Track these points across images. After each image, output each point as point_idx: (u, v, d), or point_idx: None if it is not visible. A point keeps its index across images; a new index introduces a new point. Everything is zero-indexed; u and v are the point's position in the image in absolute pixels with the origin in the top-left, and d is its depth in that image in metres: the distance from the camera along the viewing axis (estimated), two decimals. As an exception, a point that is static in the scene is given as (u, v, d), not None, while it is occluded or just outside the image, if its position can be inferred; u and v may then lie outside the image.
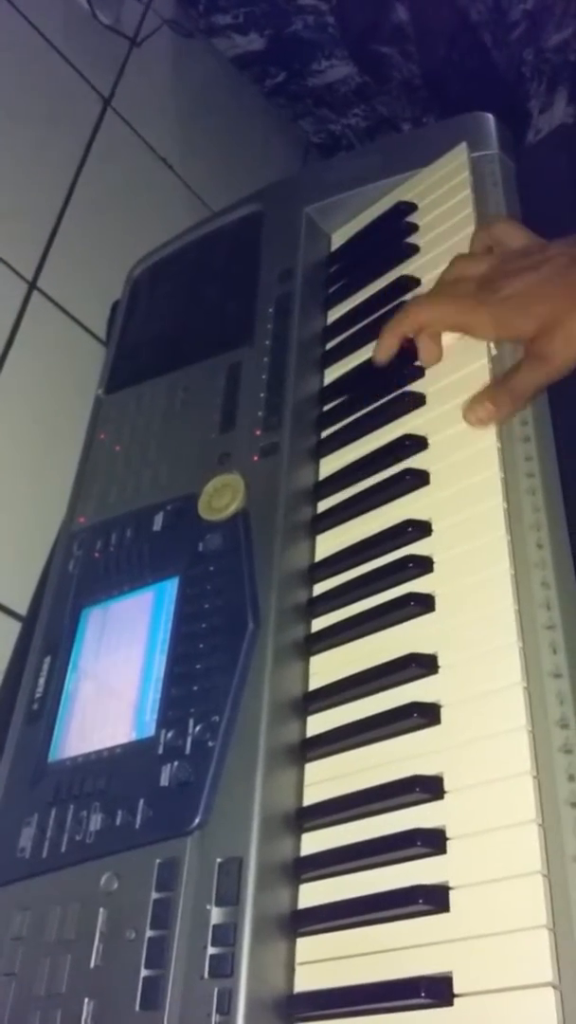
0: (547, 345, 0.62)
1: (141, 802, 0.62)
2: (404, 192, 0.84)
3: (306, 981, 0.54)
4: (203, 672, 0.65)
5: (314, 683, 0.64)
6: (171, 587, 0.72)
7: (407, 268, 0.79)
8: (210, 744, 0.61)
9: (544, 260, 0.65)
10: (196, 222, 1.06)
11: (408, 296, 0.77)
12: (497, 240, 0.71)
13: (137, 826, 0.61)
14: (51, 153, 1.20)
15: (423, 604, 0.61)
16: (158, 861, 0.58)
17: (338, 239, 0.91)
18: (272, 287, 0.87)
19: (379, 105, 1.53)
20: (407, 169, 0.85)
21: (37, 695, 0.75)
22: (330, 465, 0.75)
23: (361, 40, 1.43)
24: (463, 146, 0.81)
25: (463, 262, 0.72)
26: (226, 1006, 0.50)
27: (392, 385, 0.72)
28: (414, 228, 0.81)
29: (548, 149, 1.07)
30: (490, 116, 0.84)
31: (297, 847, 0.58)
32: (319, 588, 0.69)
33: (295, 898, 0.57)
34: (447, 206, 0.79)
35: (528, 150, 1.15)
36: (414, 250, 0.80)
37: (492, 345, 0.68)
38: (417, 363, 0.72)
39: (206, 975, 0.52)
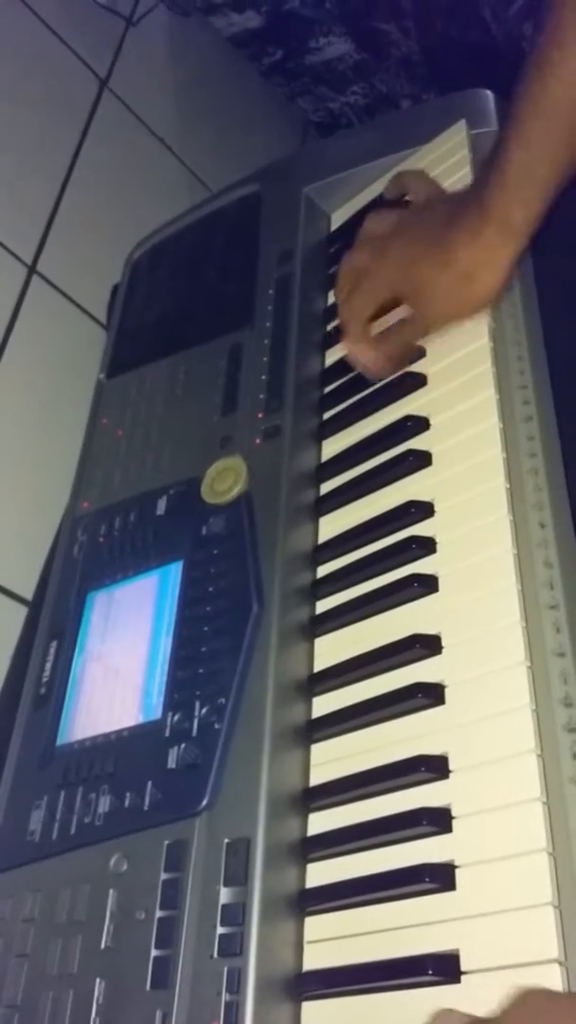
0: (420, 311, 0.69)
1: (149, 784, 0.62)
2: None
3: (314, 959, 0.54)
4: (208, 655, 0.65)
5: (319, 664, 0.65)
6: (175, 571, 0.72)
7: (407, 248, 0.79)
8: (216, 726, 0.61)
9: (427, 219, 0.69)
10: (195, 203, 1.05)
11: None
12: (408, 190, 0.77)
13: (145, 808, 0.61)
14: (48, 135, 1.19)
15: (426, 585, 0.61)
16: (167, 842, 0.58)
17: (338, 219, 0.91)
18: (272, 268, 0.86)
19: (378, 82, 1.52)
20: (406, 147, 0.85)
21: (44, 679, 0.75)
22: (332, 447, 0.75)
23: (359, 16, 1.42)
24: (462, 123, 0.80)
25: (371, 221, 0.76)
26: (235, 985, 0.51)
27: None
28: (414, 207, 0.81)
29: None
30: (489, 93, 0.83)
31: (304, 827, 0.59)
32: (323, 570, 0.69)
33: (303, 877, 0.57)
34: (446, 184, 0.78)
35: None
36: (414, 229, 0.79)
37: (492, 320, 0.68)
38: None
39: (215, 954, 0.53)
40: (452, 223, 0.65)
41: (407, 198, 0.78)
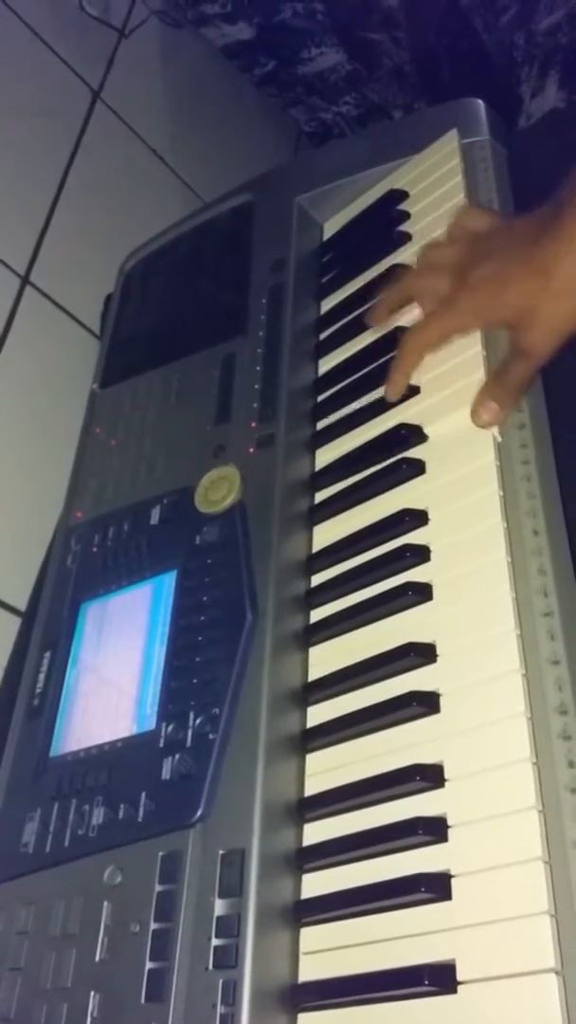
0: (528, 338, 0.62)
1: (143, 795, 0.62)
2: (396, 180, 0.84)
3: (310, 971, 0.54)
4: (203, 665, 0.65)
5: (313, 673, 0.65)
6: (169, 580, 0.72)
7: (399, 256, 0.79)
8: (211, 736, 0.61)
9: (510, 238, 0.65)
10: (188, 213, 1.05)
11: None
12: (467, 229, 0.71)
13: (140, 819, 0.61)
14: (41, 147, 1.19)
15: (421, 593, 0.61)
16: (161, 854, 0.58)
17: (330, 228, 0.91)
18: (265, 277, 0.86)
19: (370, 92, 1.53)
20: (398, 156, 0.85)
21: (38, 690, 0.75)
22: (326, 456, 0.75)
23: (351, 27, 1.42)
24: (454, 133, 0.80)
25: (433, 250, 0.72)
26: (231, 997, 0.51)
27: (386, 374, 0.72)
28: (406, 216, 0.81)
29: (540, 134, 1.07)
30: (480, 102, 0.84)
31: (299, 837, 0.59)
32: (317, 579, 0.69)
33: (298, 888, 0.57)
34: (439, 193, 0.78)
35: (520, 135, 1.15)
36: (406, 238, 0.80)
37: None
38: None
39: (210, 966, 0.52)
40: (543, 237, 0.61)
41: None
